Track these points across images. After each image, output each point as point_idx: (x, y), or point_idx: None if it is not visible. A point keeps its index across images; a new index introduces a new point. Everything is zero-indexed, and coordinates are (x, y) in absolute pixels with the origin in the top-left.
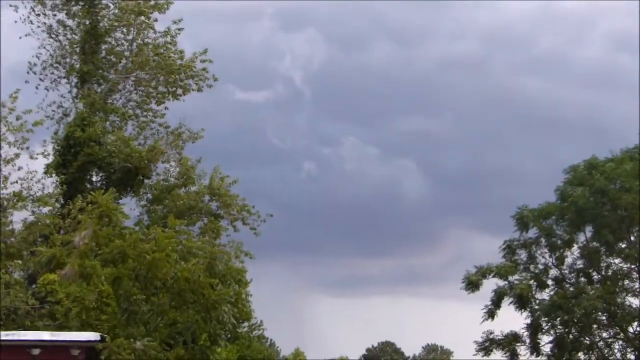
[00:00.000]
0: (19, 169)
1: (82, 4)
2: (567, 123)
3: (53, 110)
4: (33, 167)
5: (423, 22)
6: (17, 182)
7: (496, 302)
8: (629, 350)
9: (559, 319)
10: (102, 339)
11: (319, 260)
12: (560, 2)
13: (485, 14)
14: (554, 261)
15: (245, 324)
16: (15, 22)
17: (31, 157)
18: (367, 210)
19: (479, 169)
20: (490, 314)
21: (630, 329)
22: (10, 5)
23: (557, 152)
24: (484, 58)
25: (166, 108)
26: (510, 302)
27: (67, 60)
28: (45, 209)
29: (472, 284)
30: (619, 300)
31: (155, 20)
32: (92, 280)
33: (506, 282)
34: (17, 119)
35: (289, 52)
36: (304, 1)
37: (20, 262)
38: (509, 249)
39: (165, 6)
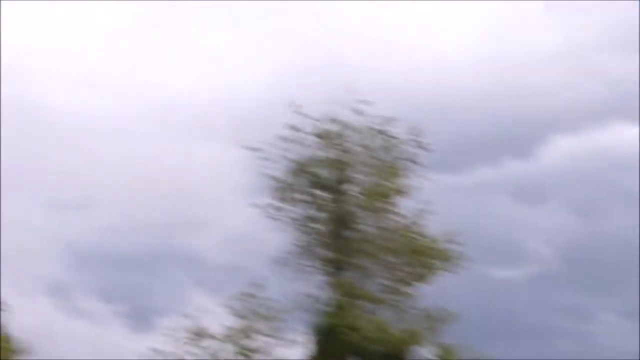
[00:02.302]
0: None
1: (328, 193)
2: None
3: (304, 299)
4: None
5: None
6: None
7: None
8: None
9: None
10: None
11: None
12: None
13: None
14: None
15: None
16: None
17: (283, 347)
18: None
19: None
20: None
21: None
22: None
23: None
24: None
25: (415, 291)
26: None
27: (315, 249)
28: None
29: None
30: None
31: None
32: None
33: None
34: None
35: (533, 225)
36: (541, 175)
37: None
38: None
39: (411, 190)
